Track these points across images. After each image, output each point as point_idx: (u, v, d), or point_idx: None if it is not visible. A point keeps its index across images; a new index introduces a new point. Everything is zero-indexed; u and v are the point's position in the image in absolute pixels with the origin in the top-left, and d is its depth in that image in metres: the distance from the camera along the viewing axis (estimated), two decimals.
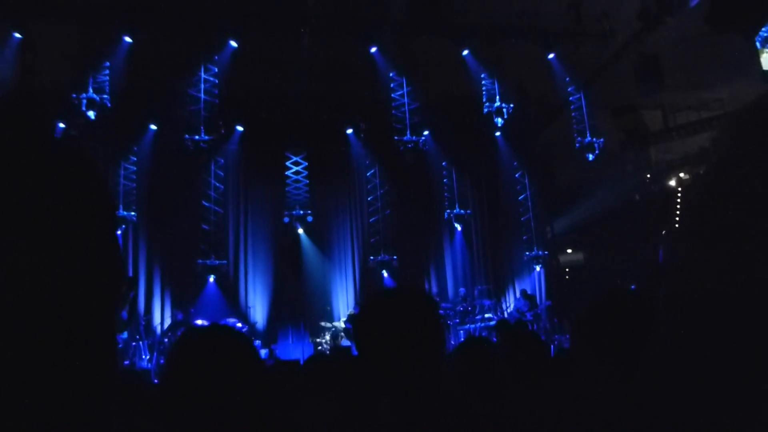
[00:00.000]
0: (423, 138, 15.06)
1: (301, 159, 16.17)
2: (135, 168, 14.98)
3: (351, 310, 14.71)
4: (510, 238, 17.66)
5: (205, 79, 13.76)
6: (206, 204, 15.29)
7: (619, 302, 2.18)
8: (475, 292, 15.72)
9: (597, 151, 14.97)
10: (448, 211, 16.90)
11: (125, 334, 10.86)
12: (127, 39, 12.67)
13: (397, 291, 1.81)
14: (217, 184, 15.56)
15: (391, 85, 14.76)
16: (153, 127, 14.76)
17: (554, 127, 16.84)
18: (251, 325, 14.70)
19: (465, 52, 14.36)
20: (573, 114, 15.46)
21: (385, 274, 16.09)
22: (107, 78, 12.83)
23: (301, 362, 4.03)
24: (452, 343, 13.19)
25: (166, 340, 11.99)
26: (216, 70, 13.74)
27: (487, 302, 15.17)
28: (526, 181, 17.57)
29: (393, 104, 14.83)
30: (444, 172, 17.19)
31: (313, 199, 16.07)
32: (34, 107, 12.97)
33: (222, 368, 1.50)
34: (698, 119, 15.99)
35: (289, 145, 16.11)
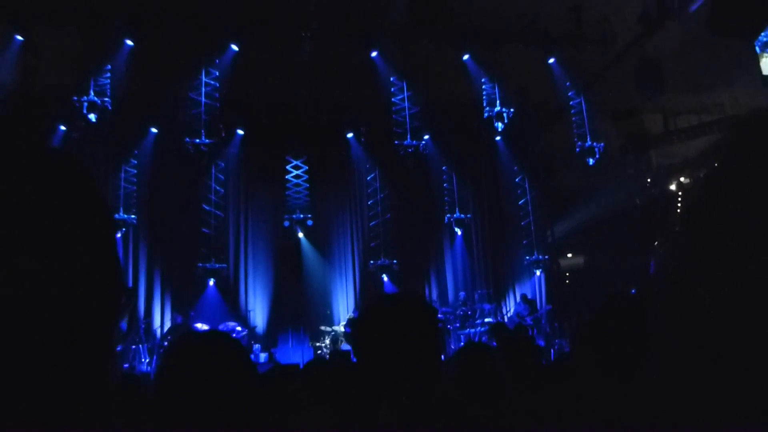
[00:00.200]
0: (423, 142, 15.07)
1: (302, 163, 16.18)
2: (136, 171, 14.99)
3: (351, 314, 14.71)
4: (510, 242, 17.65)
5: (206, 82, 13.78)
6: (207, 207, 15.30)
7: (619, 306, 2.18)
8: (476, 296, 15.72)
9: (597, 155, 14.97)
10: (449, 215, 16.90)
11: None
12: (129, 42, 12.69)
13: (394, 297, 1.80)
14: (218, 188, 15.57)
15: (392, 89, 14.78)
16: (154, 130, 14.78)
17: (555, 131, 16.85)
18: (251, 329, 14.69)
19: (465, 57, 14.38)
20: (573, 118, 15.47)
21: (386, 278, 16.08)
22: (108, 81, 12.85)
23: (301, 366, 4.03)
24: (452, 347, 13.18)
25: (165, 343, 11.98)
26: (217, 73, 13.76)
27: (487, 306, 15.17)
28: (527, 185, 17.58)
29: (393, 108, 14.84)
30: (444, 176, 17.20)
31: (314, 202, 16.08)
32: (35, 110, 13.02)
33: (213, 375, 1.49)
34: (699, 123, 16.00)
35: (289, 149, 16.12)
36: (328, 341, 13.72)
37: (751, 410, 0.82)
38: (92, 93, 12.65)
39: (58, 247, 0.58)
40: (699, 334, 0.87)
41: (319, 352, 13.60)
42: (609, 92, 14.98)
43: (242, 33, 13.16)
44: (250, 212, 16.13)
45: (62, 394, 0.59)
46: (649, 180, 17.40)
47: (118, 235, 13.73)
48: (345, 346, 13.19)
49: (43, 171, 0.61)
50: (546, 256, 17.29)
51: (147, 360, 11.86)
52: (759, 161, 0.88)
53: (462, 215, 16.93)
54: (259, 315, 15.48)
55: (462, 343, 12.92)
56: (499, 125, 14.87)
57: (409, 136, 14.72)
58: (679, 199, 15.20)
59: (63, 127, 13.65)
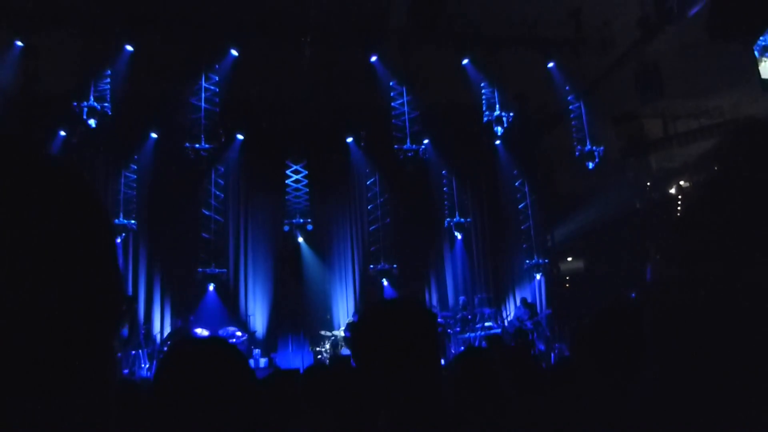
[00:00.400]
0: (423, 146, 15.08)
1: (302, 167, 16.19)
2: (135, 176, 14.99)
3: (350, 319, 14.69)
4: (510, 246, 17.65)
5: (205, 87, 13.80)
6: (206, 212, 15.30)
7: (619, 311, 2.18)
8: (476, 300, 15.70)
9: (597, 159, 14.98)
10: (448, 219, 16.90)
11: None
12: (129, 47, 12.71)
13: (394, 302, 1.80)
14: (218, 193, 15.57)
15: (391, 93, 14.79)
16: (154, 135, 14.79)
17: (554, 135, 16.87)
18: (251, 334, 14.66)
19: (465, 61, 14.41)
20: (573, 122, 15.48)
21: (385, 283, 16.07)
22: (108, 86, 12.86)
23: (301, 371, 4.02)
24: (452, 351, 13.16)
25: (165, 348, 11.96)
26: (217, 78, 13.78)
27: (487, 311, 15.16)
28: (527, 189, 17.58)
29: (393, 113, 14.85)
30: (444, 181, 17.21)
31: (313, 207, 16.08)
32: (35, 115, 13.03)
33: (211, 381, 1.49)
34: (698, 127, 16.02)
35: (289, 154, 16.13)
36: (328, 346, 13.71)
37: (751, 414, 0.82)
38: (92, 98, 12.66)
39: (56, 255, 0.58)
40: (698, 338, 0.86)
41: (319, 356, 13.58)
42: (608, 96, 15.00)
43: (242, 38, 13.18)
44: (250, 217, 16.13)
45: (63, 402, 0.59)
46: (648, 184, 17.41)
47: (118, 240, 13.72)
48: (345, 351, 13.17)
49: (41, 179, 0.61)
50: (546, 260, 17.28)
51: (147, 365, 11.85)
52: (759, 166, 0.88)
53: (462, 219, 16.93)
54: (258, 320, 15.46)
55: (462, 348, 12.91)
56: (499, 129, 14.89)
57: (408, 141, 14.73)
58: (679, 202, 15.19)
59: (63, 133, 13.66)
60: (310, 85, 13.92)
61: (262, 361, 13.53)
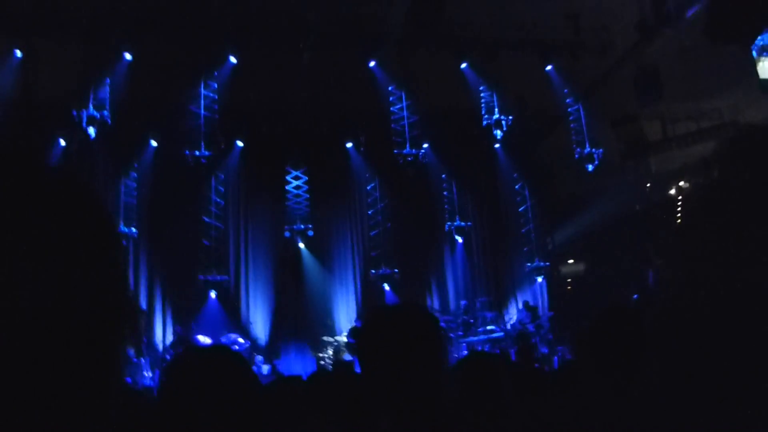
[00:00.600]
0: (423, 151, 15.09)
1: (302, 173, 16.19)
2: (135, 184, 14.99)
3: (353, 324, 14.67)
4: (511, 249, 17.64)
5: (205, 94, 13.82)
6: (207, 219, 15.29)
7: (621, 313, 2.18)
8: (477, 304, 15.68)
9: (597, 162, 15.00)
10: (449, 223, 16.90)
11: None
12: (128, 55, 12.73)
13: (397, 307, 1.80)
14: (218, 200, 15.57)
15: (391, 98, 14.82)
16: (153, 143, 14.79)
17: (554, 138, 16.88)
18: (253, 341, 14.64)
19: (463, 65, 14.43)
20: (572, 125, 15.51)
21: (387, 288, 16.05)
22: (108, 94, 12.87)
23: (304, 377, 4.01)
24: (455, 356, 13.14)
25: (168, 356, 11.95)
26: (216, 85, 13.80)
27: (488, 314, 15.14)
28: (526, 192, 17.58)
29: (392, 117, 14.88)
30: (444, 185, 17.20)
31: (314, 213, 16.07)
32: (34, 124, 13.04)
33: (216, 390, 1.49)
34: (697, 129, 16.03)
35: (289, 160, 16.13)
36: (330, 351, 13.68)
37: (751, 415, 0.82)
38: (91, 106, 12.67)
39: (64, 267, 0.58)
40: (699, 339, 0.87)
41: (321, 362, 13.56)
42: (608, 99, 15.02)
43: (241, 44, 13.21)
44: (251, 223, 16.11)
45: (68, 412, 0.59)
46: (648, 186, 17.42)
47: None
48: (347, 357, 13.15)
49: (45, 191, 0.61)
50: (547, 263, 17.27)
51: (149, 374, 11.82)
52: (757, 169, 0.88)
53: (462, 223, 16.93)
54: (260, 326, 15.43)
55: (464, 351, 12.89)
56: (498, 133, 14.92)
57: (408, 145, 14.75)
58: (679, 205, 15.20)
59: (62, 141, 13.66)
60: (309, 91, 13.93)
61: (265, 368, 13.49)
